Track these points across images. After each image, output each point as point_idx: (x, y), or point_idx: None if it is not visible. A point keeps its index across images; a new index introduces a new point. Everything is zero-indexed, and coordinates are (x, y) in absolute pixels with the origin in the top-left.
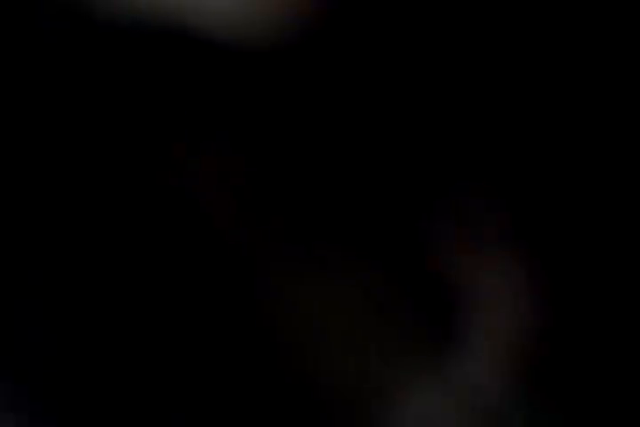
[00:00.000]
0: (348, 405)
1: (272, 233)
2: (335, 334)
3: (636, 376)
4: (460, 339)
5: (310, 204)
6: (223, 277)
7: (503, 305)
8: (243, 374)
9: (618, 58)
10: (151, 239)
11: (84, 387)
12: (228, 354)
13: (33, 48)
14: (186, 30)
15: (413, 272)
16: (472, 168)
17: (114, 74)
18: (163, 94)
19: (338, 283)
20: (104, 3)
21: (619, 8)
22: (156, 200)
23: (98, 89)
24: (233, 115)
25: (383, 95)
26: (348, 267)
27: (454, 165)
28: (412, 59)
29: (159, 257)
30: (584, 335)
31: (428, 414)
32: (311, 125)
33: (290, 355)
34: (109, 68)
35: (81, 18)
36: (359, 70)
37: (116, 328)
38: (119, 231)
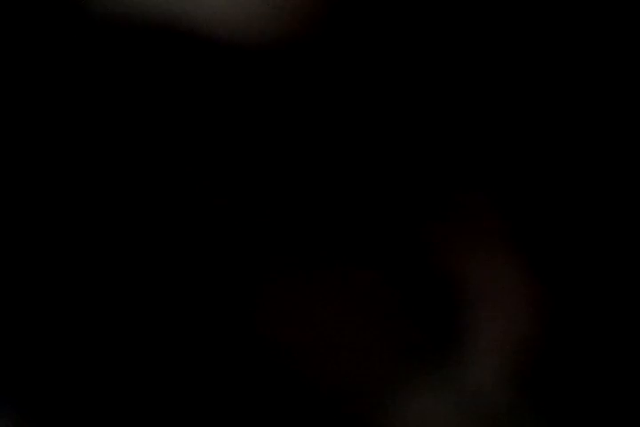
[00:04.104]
0: (349, 405)
1: (272, 233)
2: (336, 333)
3: (635, 378)
4: (461, 340)
5: (310, 203)
6: (224, 278)
7: (504, 306)
8: (243, 376)
9: (618, 58)
10: (148, 238)
11: (82, 387)
12: (228, 356)
13: (31, 45)
14: (184, 28)
15: (415, 273)
16: (473, 168)
17: (112, 72)
18: (162, 92)
19: (338, 283)
20: (102, 0)
21: (619, 8)
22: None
23: (96, 87)
24: (232, 113)
25: (383, 95)
26: (348, 267)
27: (455, 164)
28: (412, 58)
29: (155, 254)
30: (584, 337)
31: (428, 414)
32: (311, 125)
33: (290, 355)
34: (108, 65)
35: (79, 15)
36: (359, 69)
37: (117, 328)
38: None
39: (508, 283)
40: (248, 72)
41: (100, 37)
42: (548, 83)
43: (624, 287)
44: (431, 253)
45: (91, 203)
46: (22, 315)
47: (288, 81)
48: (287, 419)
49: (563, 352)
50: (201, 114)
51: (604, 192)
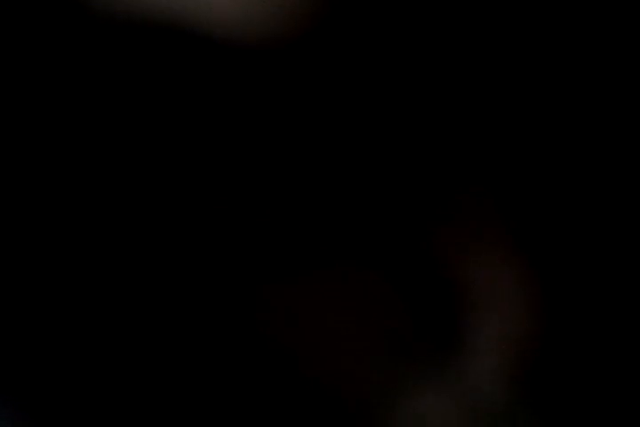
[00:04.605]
0: (349, 405)
1: (273, 234)
2: (336, 333)
3: (635, 378)
4: (461, 340)
5: (310, 204)
6: (225, 278)
7: (504, 306)
8: (243, 376)
9: (618, 58)
10: (152, 239)
11: (81, 387)
12: (228, 356)
13: (32, 45)
14: (184, 27)
15: (414, 273)
16: (474, 169)
17: (112, 71)
18: (161, 91)
19: (340, 283)
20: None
21: (619, 8)
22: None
23: (96, 86)
24: (231, 113)
25: (383, 96)
26: (348, 267)
27: (455, 165)
28: (411, 58)
29: (159, 257)
30: (584, 337)
31: (428, 414)
32: (310, 125)
33: (290, 355)
34: (107, 65)
35: (79, 15)
36: (359, 69)
37: (116, 329)
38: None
39: (509, 284)
40: (247, 71)
41: (100, 36)
42: (548, 83)
43: (624, 288)
44: (432, 253)
45: (91, 204)
46: (22, 315)
47: (287, 80)
48: (287, 419)
49: (562, 353)
50: (200, 113)
51: (603, 193)
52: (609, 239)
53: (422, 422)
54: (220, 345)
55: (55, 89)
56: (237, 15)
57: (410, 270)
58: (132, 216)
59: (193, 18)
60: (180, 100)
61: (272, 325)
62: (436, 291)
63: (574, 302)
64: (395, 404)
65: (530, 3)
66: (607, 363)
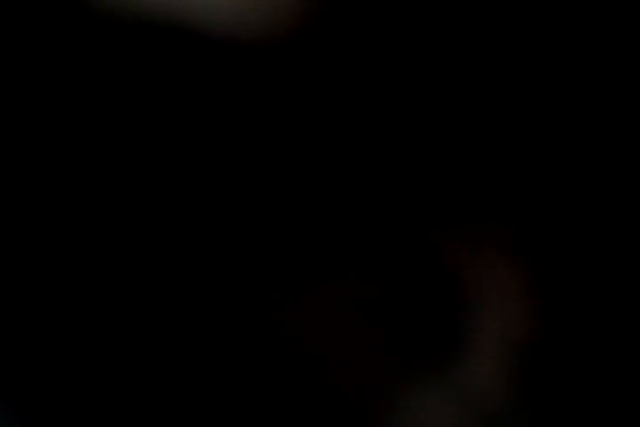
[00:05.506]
0: (349, 405)
1: (274, 235)
2: (337, 333)
3: (634, 379)
4: (463, 340)
5: (310, 206)
6: (225, 282)
7: (506, 307)
8: (243, 377)
9: (618, 58)
10: (154, 239)
11: (81, 387)
12: (228, 358)
13: (32, 44)
14: (181, 27)
15: (415, 274)
16: (474, 169)
17: (110, 71)
18: (158, 91)
19: (337, 284)
20: None
21: (619, 8)
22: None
23: (95, 85)
24: (229, 112)
25: (382, 96)
26: (347, 268)
27: (455, 165)
28: (410, 58)
29: (161, 256)
30: (584, 338)
31: (429, 415)
32: (309, 126)
33: (290, 357)
34: (105, 64)
35: (79, 14)
36: (356, 69)
37: (117, 329)
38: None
39: (509, 284)
40: (244, 70)
41: (98, 35)
42: (548, 85)
43: (624, 290)
44: (433, 255)
45: (92, 204)
46: (22, 315)
47: (284, 79)
48: (288, 419)
49: (562, 353)
50: (198, 112)
51: (603, 194)
52: (609, 240)
53: (423, 422)
54: (220, 346)
55: (54, 88)
56: (234, 14)
57: (410, 271)
58: (135, 216)
59: (189, 17)
60: (176, 100)
61: (272, 326)
62: (437, 291)
63: (575, 303)
64: (394, 404)
65: (530, 3)
66: (607, 363)
